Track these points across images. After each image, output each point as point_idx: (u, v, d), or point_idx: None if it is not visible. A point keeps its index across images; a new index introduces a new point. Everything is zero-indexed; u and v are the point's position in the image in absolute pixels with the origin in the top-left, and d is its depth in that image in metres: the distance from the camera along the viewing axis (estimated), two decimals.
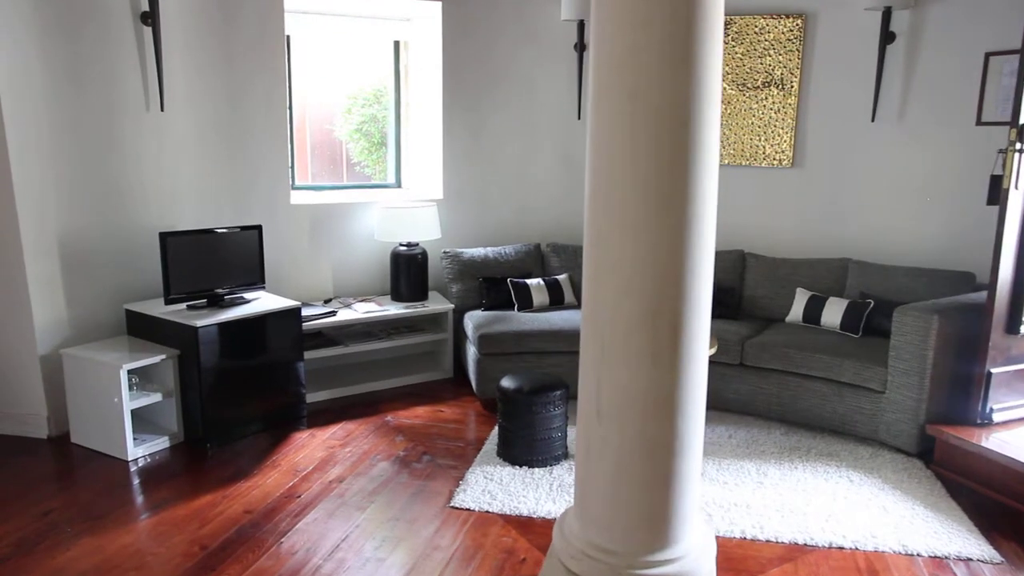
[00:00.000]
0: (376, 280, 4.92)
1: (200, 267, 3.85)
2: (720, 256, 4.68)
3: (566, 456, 3.56)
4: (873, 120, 4.41)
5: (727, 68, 4.76)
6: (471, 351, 4.39)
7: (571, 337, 4.19)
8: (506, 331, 4.20)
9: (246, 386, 3.82)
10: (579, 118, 5.08)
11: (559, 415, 3.48)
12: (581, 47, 4.93)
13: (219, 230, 3.93)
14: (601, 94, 1.94)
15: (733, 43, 4.72)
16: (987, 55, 4.05)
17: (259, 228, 4.07)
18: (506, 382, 3.53)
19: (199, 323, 3.59)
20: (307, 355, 4.18)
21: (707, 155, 1.92)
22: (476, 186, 5.10)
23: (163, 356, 3.62)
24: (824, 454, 3.64)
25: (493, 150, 5.10)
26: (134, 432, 3.59)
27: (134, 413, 3.58)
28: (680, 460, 2.05)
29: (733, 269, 4.65)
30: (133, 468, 3.47)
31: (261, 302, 3.98)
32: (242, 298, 3.98)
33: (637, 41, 1.83)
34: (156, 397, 3.63)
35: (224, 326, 3.69)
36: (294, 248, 4.60)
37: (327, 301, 4.65)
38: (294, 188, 4.77)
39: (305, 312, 4.22)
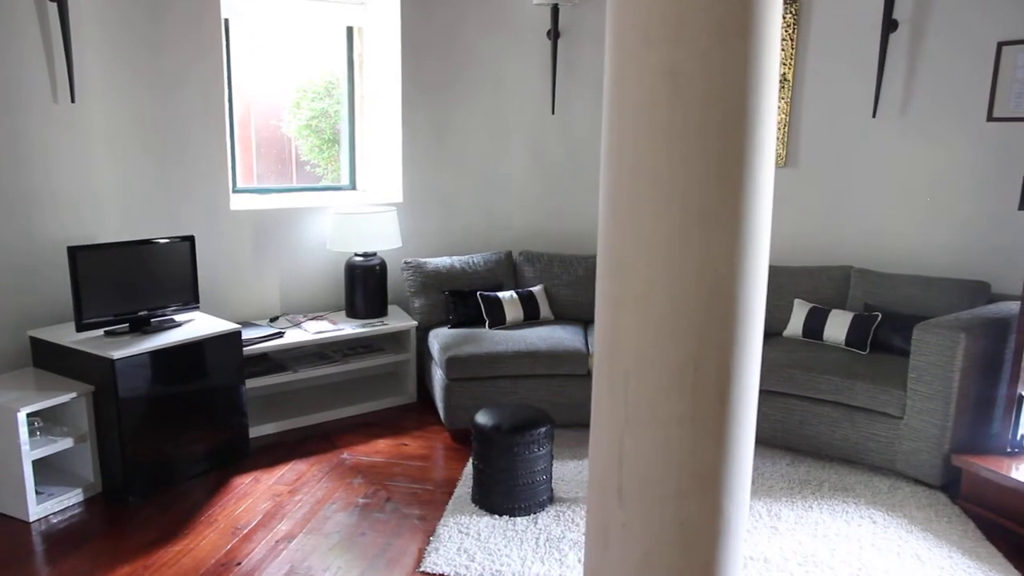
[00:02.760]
0: (329, 295, 4.39)
1: (120, 286, 3.28)
2: None
3: (551, 500, 3.11)
4: (874, 116, 4.05)
5: None
6: (437, 375, 3.90)
7: (550, 359, 3.74)
8: (477, 353, 3.72)
9: (176, 424, 3.26)
10: (553, 112, 4.62)
11: (544, 455, 3.02)
12: (555, 34, 4.46)
13: (142, 242, 3.36)
14: (624, 76, 1.48)
15: None
16: (1000, 45, 3.72)
17: (191, 239, 3.51)
18: (482, 418, 3.06)
19: (116, 354, 3.02)
20: (250, 383, 3.63)
21: (764, 156, 1.47)
22: (439, 188, 4.60)
23: (74, 394, 3.04)
24: (838, 488, 3.25)
25: (458, 148, 4.61)
26: (39, 485, 3.01)
27: (40, 462, 3.01)
28: (723, 548, 1.60)
29: None
30: (36, 531, 2.89)
31: (194, 325, 3.42)
32: (171, 321, 3.42)
33: (678, 5, 1.37)
34: (66, 443, 3.05)
35: (148, 356, 3.13)
36: (235, 260, 4.04)
37: (273, 320, 4.10)
38: (235, 191, 4.21)
39: (247, 334, 3.67)
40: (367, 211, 4.15)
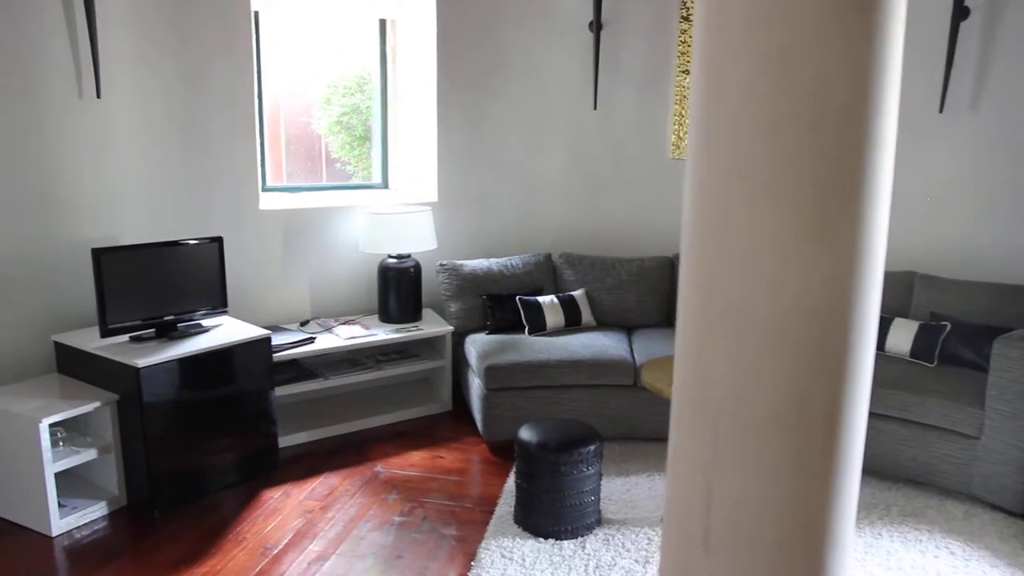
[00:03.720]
0: (361, 298, 4.22)
1: (146, 289, 3.14)
2: None
3: (599, 522, 2.90)
4: (942, 111, 3.79)
5: None
6: (475, 383, 3.72)
7: (594, 368, 3.54)
8: (518, 361, 3.53)
9: (203, 434, 3.11)
10: (595, 108, 4.41)
11: (592, 475, 2.82)
12: (597, 26, 4.25)
13: (169, 244, 3.22)
14: (721, 63, 1.27)
15: None
16: None
17: (219, 240, 3.35)
18: (526, 434, 2.86)
19: (142, 362, 2.87)
20: (279, 391, 3.48)
21: (885, 156, 1.26)
22: (475, 187, 4.42)
23: (98, 403, 2.90)
24: (909, 513, 3.01)
25: (494, 145, 4.42)
26: (63, 497, 2.88)
27: (63, 474, 2.87)
28: None
29: None
30: (59, 546, 2.76)
31: (222, 331, 3.27)
32: (199, 326, 3.27)
33: None
34: (90, 454, 2.91)
35: (175, 364, 2.98)
36: (264, 262, 3.89)
37: (303, 324, 3.94)
38: (264, 190, 4.06)
39: (277, 339, 3.51)
40: (401, 211, 3.98)
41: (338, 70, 4.64)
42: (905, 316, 3.71)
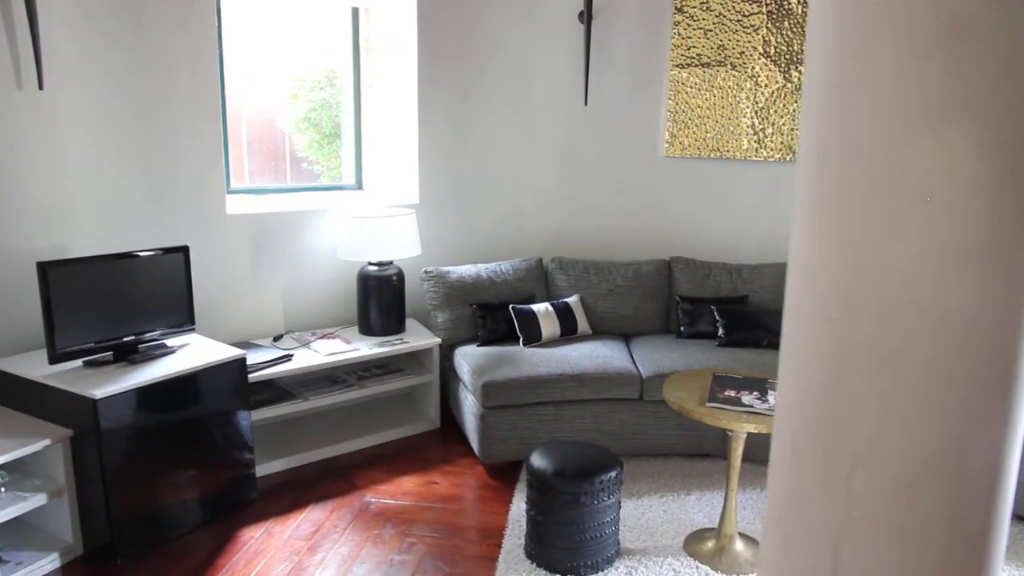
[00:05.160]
0: (338, 309, 3.90)
1: (101, 307, 2.77)
2: (763, 270, 3.87)
3: (619, 554, 2.66)
4: None
5: (766, 46, 3.93)
6: (468, 401, 3.44)
7: (598, 382, 3.29)
8: (516, 377, 3.26)
9: (171, 469, 2.76)
10: (586, 103, 4.16)
11: (612, 504, 2.57)
12: (588, 16, 4.00)
13: (127, 255, 2.85)
14: (868, 37, 1.02)
15: (775, 12, 3.89)
16: None
17: (185, 250, 3.00)
18: (539, 461, 2.60)
19: (99, 391, 2.51)
20: (253, 415, 3.14)
21: None
22: (460, 188, 4.13)
23: (47, 440, 2.53)
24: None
25: (481, 143, 4.14)
26: (6, 552, 2.51)
27: (8, 524, 2.50)
28: None
29: (779, 286, 3.84)
30: None
31: (190, 351, 2.92)
32: (163, 347, 2.91)
33: None
34: (39, 499, 2.53)
35: (137, 393, 2.63)
36: (232, 272, 3.53)
37: (277, 339, 3.60)
38: (228, 193, 3.70)
39: (251, 358, 3.17)
40: (383, 215, 3.67)
41: (306, 63, 4.30)
42: None
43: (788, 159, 3.98)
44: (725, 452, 3.38)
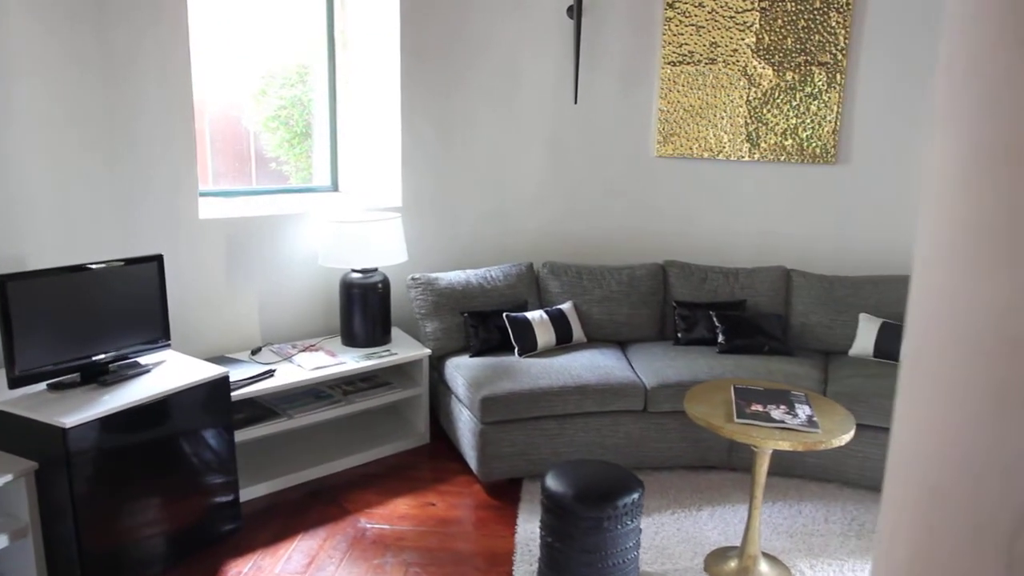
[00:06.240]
0: (318, 319, 3.66)
1: (66, 324, 2.49)
2: (760, 273, 3.78)
3: None
4: None
5: (758, 45, 3.84)
6: (464, 416, 3.25)
7: (601, 393, 3.15)
8: (517, 390, 3.09)
9: (148, 501, 2.51)
10: (576, 102, 4.01)
11: (635, 528, 2.43)
12: (578, 12, 3.85)
13: (94, 266, 2.58)
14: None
15: (769, 9, 3.80)
16: None
17: (159, 259, 2.74)
18: (556, 483, 2.43)
19: (69, 419, 2.25)
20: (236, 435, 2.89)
21: None
22: (445, 190, 3.94)
23: (8, 476, 2.25)
24: None
25: (467, 143, 3.95)
26: None
27: None
28: None
29: (776, 290, 3.76)
30: None
31: (167, 370, 2.67)
32: (137, 366, 2.65)
33: None
34: None
35: (111, 419, 2.37)
36: (206, 281, 3.27)
37: (255, 353, 3.35)
38: (201, 195, 3.43)
39: (231, 375, 2.92)
40: (367, 219, 3.45)
41: (276, 58, 4.04)
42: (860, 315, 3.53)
43: (782, 159, 3.90)
44: (731, 464, 3.29)
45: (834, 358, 3.56)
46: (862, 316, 3.57)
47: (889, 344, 3.41)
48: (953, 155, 0.93)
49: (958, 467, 0.99)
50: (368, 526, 2.86)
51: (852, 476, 3.15)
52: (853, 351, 3.54)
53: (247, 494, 3.00)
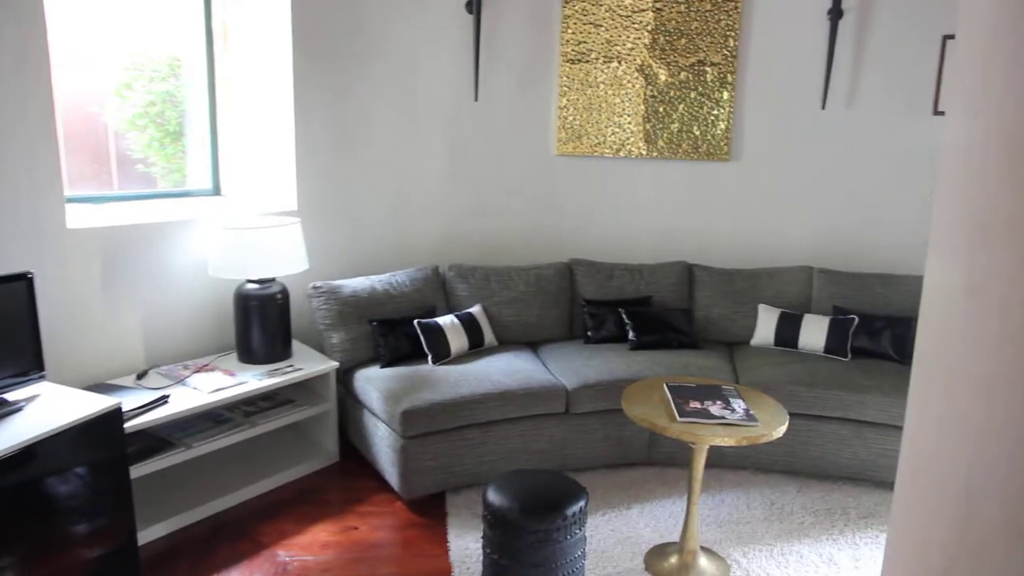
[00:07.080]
0: (209, 335, 3.35)
1: None
2: (663, 269, 3.86)
3: None
4: (824, 107, 3.86)
5: (653, 44, 3.91)
6: (380, 432, 3.08)
7: (523, 398, 3.08)
8: (438, 400, 2.96)
9: (30, 559, 2.16)
10: (476, 99, 3.91)
11: (582, 537, 2.37)
12: (477, 6, 3.75)
13: None
14: None
15: (663, 10, 3.87)
16: (944, 38, 3.67)
17: (27, 278, 2.37)
18: (497, 497, 2.33)
19: None
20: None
21: None
22: (342, 192, 3.71)
23: None
24: (867, 515, 2.97)
25: (364, 142, 3.75)
26: None
27: None
28: None
29: (680, 285, 3.85)
30: None
31: (43, 406, 2.31)
32: (5, 403, 2.28)
33: None
34: None
35: None
36: (78, 300, 2.89)
37: (140, 377, 3.00)
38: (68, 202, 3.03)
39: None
40: (263, 225, 3.18)
41: (144, 48, 3.64)
42: (809, 311, 3.72)
43: (679, 156, 4.00)
44: (651, 459, 3.32)
45: (738, 349, 3.69)
46: (761, 307, 3.72)
47: (788, 333, 3.58)
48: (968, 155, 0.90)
49: (994, 461, 0.97)
50: (288, 559, 2.63)
51: (764, 461, 3.27)
52: (755, 341, 3.69)
53: (144, 536, 2.68)
